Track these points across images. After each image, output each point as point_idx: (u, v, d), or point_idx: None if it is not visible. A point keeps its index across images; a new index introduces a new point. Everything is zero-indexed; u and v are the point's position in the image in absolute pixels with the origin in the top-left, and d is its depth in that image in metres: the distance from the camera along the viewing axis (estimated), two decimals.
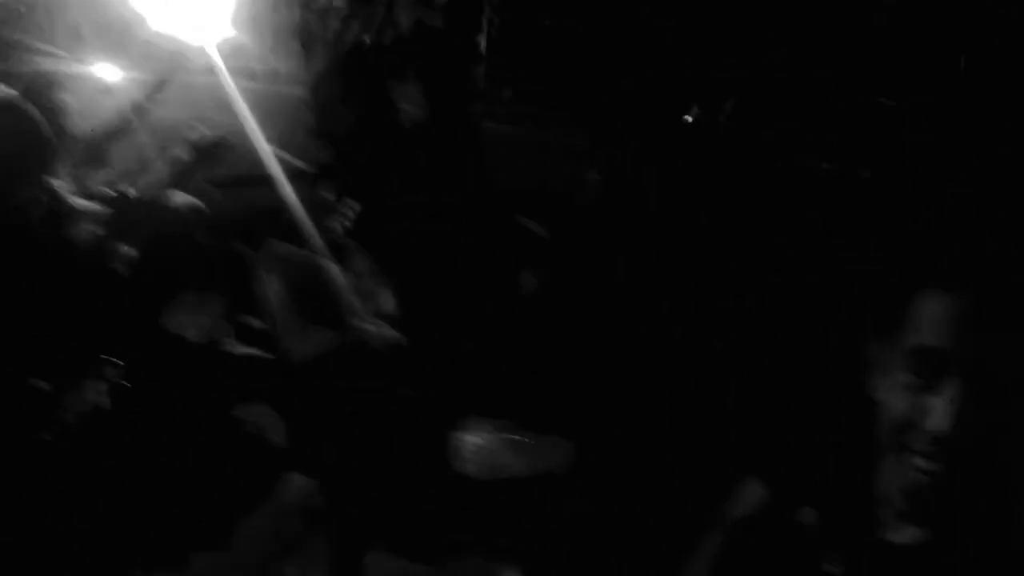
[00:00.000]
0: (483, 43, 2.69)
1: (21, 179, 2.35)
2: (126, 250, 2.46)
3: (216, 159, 2.55)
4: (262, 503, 2.29)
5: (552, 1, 2.84)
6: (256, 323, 2.47)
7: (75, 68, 3.26)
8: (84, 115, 3.07)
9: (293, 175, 2.54)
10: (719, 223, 2.61)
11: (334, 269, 2.46)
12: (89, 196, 2.76)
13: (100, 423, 2.32)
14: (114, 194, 2.54)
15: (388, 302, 2.39)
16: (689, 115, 2.65)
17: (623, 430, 2.32)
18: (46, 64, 3.35)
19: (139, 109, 3.19)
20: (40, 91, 2.92)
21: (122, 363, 2.18)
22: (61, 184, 2.74)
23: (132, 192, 2.53)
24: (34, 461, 2.26)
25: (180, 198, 2.50)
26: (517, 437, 2.26)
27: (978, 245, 1.16)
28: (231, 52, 3.41)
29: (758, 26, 2.67)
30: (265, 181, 2.64)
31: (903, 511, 1.13)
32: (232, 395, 2.43)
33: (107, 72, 3.45)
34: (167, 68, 3.22)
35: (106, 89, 3.24)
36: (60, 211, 2.65)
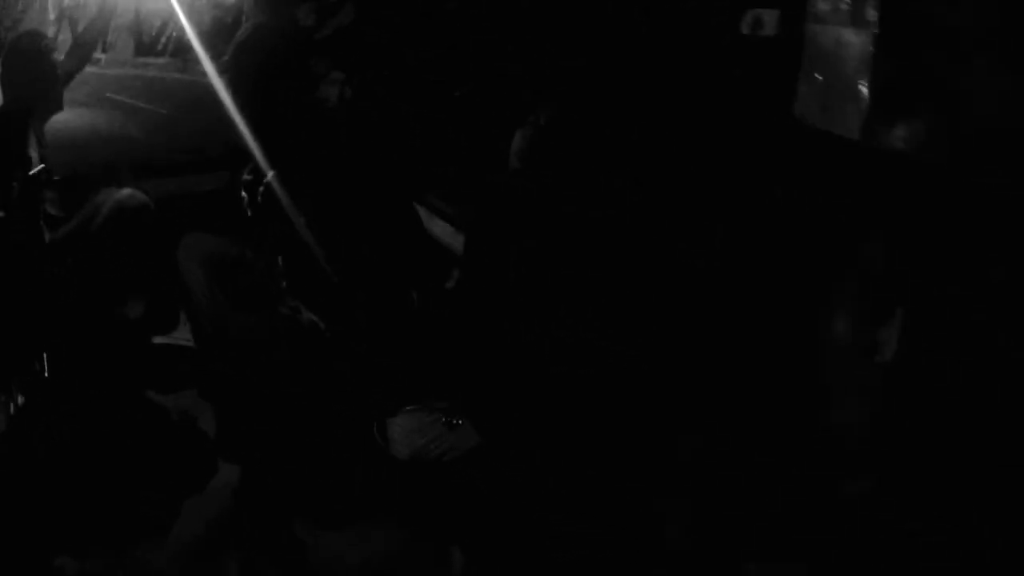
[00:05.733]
0: None
1: None
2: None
3: None
4: (198, 489, 2.39)
5: None
6: (182, 311, 2.53)
7: None
8: None
9: (214, 162, 2.55)
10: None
11: (253, 256, 2.52)
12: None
13: (33, 415, 2.37)
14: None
15: (306, 287, 2.47)
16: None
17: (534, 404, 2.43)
18: None
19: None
20: None
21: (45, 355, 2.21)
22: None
23: None
24: None
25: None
26: (438, 418, 2.37)
27: None
28: None
29: None
30: (185, 169, 2.63)
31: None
32: (160, 383, 2.50)
33: None
34: None
35: None
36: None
